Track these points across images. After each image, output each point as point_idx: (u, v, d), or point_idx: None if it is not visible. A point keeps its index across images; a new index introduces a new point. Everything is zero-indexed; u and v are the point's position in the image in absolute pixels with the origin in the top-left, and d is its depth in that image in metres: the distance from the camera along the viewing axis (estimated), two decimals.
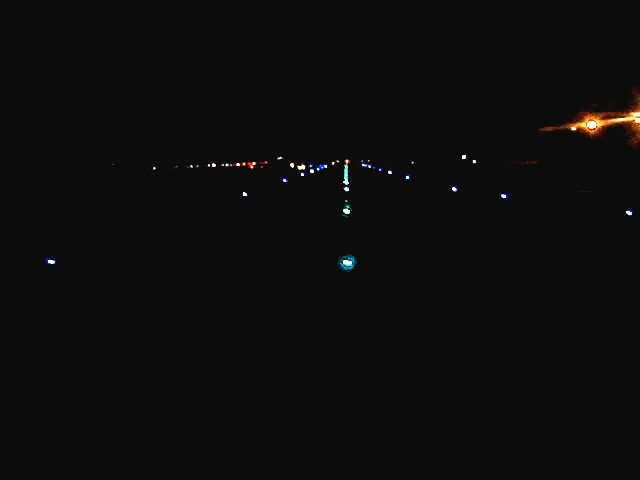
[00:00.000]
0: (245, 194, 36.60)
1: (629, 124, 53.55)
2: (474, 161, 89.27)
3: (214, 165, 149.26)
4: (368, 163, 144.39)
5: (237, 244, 17.04)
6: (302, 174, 77.24)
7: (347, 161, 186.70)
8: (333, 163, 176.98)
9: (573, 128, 60.60)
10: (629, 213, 20.84)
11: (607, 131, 56.95)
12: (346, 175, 69.59)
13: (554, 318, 8.66)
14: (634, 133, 53.40)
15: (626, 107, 52.10)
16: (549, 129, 66.29)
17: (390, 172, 73.23)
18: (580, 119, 58.60)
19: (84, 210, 29.02)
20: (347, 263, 13.14)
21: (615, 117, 55.11)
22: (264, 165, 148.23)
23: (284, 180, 57.67)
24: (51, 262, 14.17)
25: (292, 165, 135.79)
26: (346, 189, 41.54)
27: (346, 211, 25.24)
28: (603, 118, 56.41)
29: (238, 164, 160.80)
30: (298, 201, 33.22)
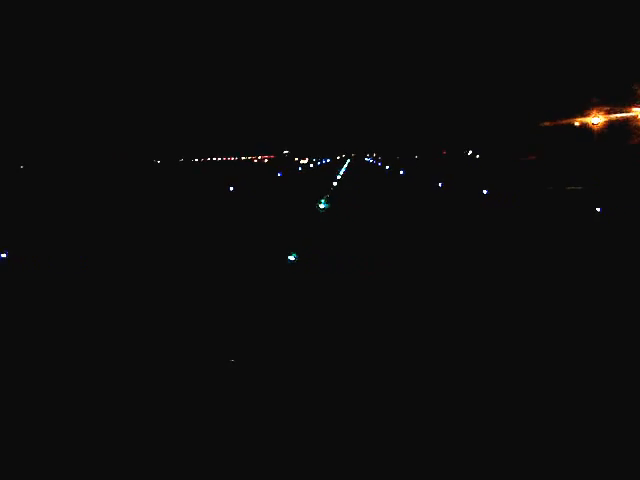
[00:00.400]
0: (232, 188, 36.72)
1: (629, 120, 53.04)
2: (477, 156, 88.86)
3: (220, 159, 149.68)
4: (372, 157, 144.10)
5: (199, 237, 17.13)
6: (300, 168, 77.24)
7: (352, 155, 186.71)
8: (338, 157, 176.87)
9: (573, 123, 60.06)
10: (598, 210, 20.75)
11: (607, 126, 56.42)
12: (343, 169, 69.49)
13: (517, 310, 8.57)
14: (634, 128, 52.94)
15: (627, 102, 51.56)
16: (549, 124, 65.76)
17: (387, 167, 73.16)
18: (581, 114, 58.10)
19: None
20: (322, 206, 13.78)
21: (616, 112, 54.56)
22: (269, 159, 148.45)
23: (279, 174, 57.82)
24: (2, 255, 14.34)
25: (296, 159, 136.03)
26: (334, 183, 41.52)
27: (322, 205, 25.21)
28: (604, 113, 55.84)
29: (244, 158, 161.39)
30: (282, 194, 33.27)
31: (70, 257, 14.08)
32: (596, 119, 57.12)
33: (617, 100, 53.39)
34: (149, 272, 12.24)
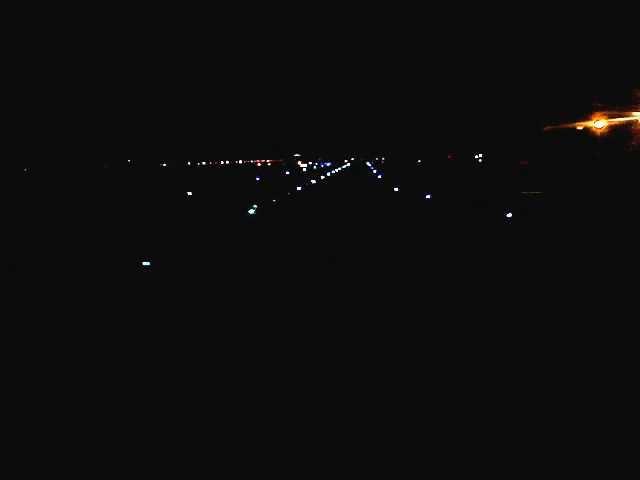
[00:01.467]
0: (190, 193, 36.62)
1: (630, 124, 52.41)
2: (480, 160, 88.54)
3: (227, 162, 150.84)
4: (372, 163, 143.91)
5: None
6: (287, 172, 77.38)
7: (360, 159, 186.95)
8: (346, 161, 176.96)
9: (575, 127, 59.60)
10: (509, 215, 20.53)
11: (608, 130, 55.83)
12: (326, 174, 69.29)
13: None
14: (634, 133, 52.37)
15: (628, 106, 50.93)
16: (549, 128, 65.04)
17: (375, 171, 73.00)
18: (582, 118, 57.61)
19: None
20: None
21: (616, 117, 53.97)
22: (272, 163, 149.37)
23: (257, 178, 57.93)
24: None
25: (299, 163, 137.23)
26: (298, 188, 41.35)
27: (251, 211, 24.94)
28: (606, 117, 55.16)
29: (252, 161, 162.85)
30: (234, 198, 32.93)
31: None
32: (599, 123, 56.49)
33: (618, 104, 52.77)
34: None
